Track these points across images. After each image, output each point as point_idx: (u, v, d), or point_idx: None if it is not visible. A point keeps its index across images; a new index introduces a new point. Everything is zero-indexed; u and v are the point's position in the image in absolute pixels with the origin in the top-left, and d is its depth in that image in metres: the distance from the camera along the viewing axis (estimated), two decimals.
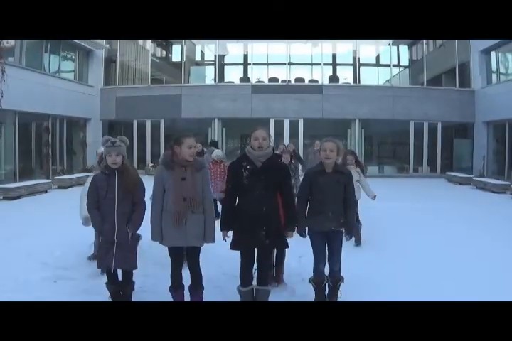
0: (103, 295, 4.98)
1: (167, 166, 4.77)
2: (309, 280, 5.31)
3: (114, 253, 4.75)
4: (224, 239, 4.88)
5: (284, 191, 4.83)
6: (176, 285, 4.91)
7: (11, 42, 17.08)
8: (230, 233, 4.89)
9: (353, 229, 5.19)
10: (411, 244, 7.96)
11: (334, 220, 4.92)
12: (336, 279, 5.06)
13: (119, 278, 5.02)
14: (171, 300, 4.90)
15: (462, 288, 5.53)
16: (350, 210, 5.06)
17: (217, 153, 10.28)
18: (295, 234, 4.95)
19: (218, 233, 4.86)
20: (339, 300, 5.07)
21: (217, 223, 4.88)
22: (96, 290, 5.32)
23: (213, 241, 4.85)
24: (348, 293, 5.13)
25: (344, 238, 5.08)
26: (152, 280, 5.83)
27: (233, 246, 4.90)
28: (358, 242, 7.78)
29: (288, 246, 5.00)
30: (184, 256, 4.98)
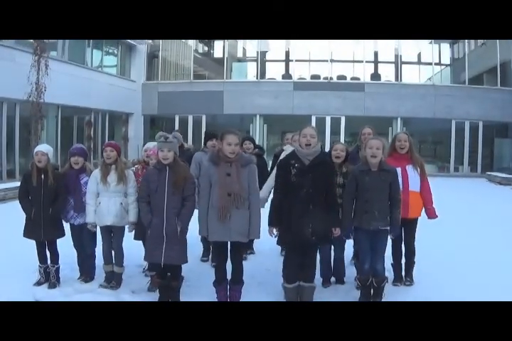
0: None
1: (213, 161, 4.86)
2: (355, 279, 5.40)
3: (163, 248, 4.83)
4: (270, 234, 4.96)
5: (328, 190, 4.86)
6: (220, 280, 5.02)
7: None
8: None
9: (398, 227, 5.14)
10: (453, 245, 7.82)
11: (381, 219, 4.92)
12: (380, 279, 5.04)
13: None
14: (215, 294, 5.02)
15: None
16: (395, 208, 5.02)
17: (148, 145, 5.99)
18: None
19: (263, 229, 4.95)
20: (383, 300, 5.08)
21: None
22: None
23: (258, 236, 4.95)
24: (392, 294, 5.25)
25: (389, 236, 5.11)
26: (196, 275, 5.91)
27: (280, 242, 5.00)
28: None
29: (330, 244, 5.12)
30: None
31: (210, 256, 6.46)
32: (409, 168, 5.59)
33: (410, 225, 5.64)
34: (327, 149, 6.49)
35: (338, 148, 5.55)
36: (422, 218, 5.75)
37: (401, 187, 5.28)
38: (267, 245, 5.03)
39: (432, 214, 5.74)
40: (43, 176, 5.40)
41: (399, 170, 5.36)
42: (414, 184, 5.60)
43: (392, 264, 5.83)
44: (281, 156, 5.30)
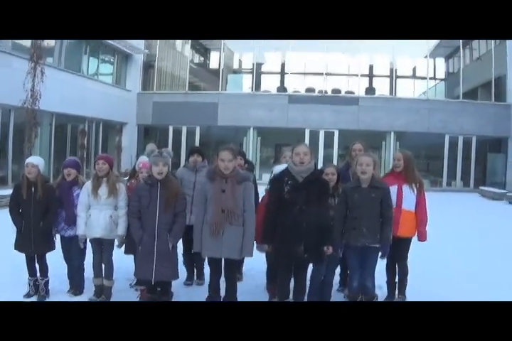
0: None
1: (209, 177, 4.87)
2: (344, 296, 5.42)
3: (154, 264, 4.81)
4: (261, 251, 5.02)
5: (320, 208, 4.83)
6: (213, 295, 5.02)
7: (51, 42, 17.26)
8: None
9: (388, 245, 5.03)
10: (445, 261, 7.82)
11: (369, 236, 4.88)
12: (369, 296, 5.01)
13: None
14: None
15: None
16: (386, 226, 4.94)
17: (143, 158, 5.91)
18: None
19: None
20: None
21: None
22: None
23: (251, 255, 4.95)
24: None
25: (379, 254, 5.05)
26: (186, 291, 5.91)
27: (270, 260, 5.08)
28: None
29: (323, 261, 5.01)
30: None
31: (195, 279, 6.35)
32: (405, 187, 5.48)
33: (403, 245, 5.50)
34: (320, 164, 6.39)
35: (329, 172, 5.23)
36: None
37: (394, 204, 5.23)
38: (259, 261, 5.02)
39: (421, 238, 5.62)
40: (33, 189, 5.31)
41: (395, 188, 5.34)
42: (408, 203, 5.49)
43: (386, 282, 5.75)
44: (274, 172, 5.25)
